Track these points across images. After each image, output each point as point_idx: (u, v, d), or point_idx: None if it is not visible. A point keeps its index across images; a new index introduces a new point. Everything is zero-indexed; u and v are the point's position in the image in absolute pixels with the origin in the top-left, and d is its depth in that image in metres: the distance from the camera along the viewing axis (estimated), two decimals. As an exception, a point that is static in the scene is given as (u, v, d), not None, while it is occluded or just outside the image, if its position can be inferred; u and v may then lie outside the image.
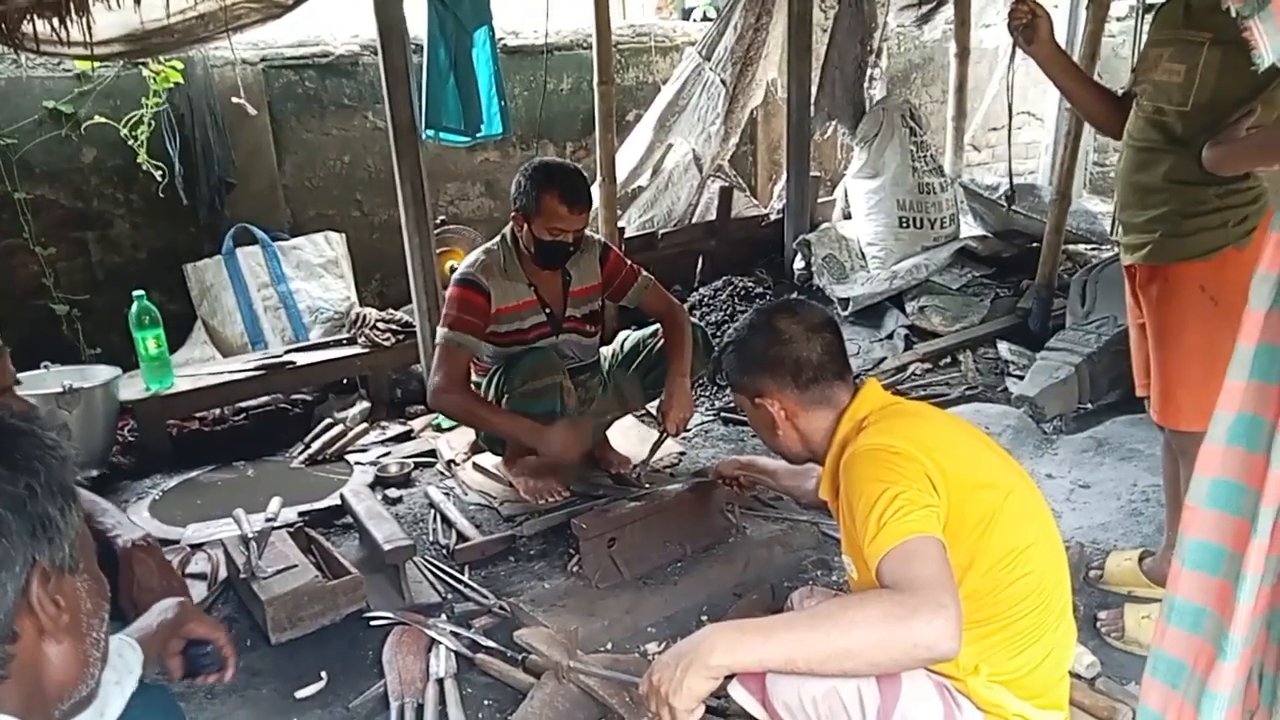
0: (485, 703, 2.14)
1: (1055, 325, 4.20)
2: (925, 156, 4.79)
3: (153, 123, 3.95)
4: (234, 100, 4.02)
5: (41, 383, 3.35)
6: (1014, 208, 4.84)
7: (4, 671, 0.73)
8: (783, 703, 1.35)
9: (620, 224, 4.57)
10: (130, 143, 3.90)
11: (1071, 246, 4.85)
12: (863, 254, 4.90)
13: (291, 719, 2.14)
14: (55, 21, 3.28)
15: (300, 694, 2.20)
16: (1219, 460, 0.84)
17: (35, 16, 3.22)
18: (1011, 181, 3.32)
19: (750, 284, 4.70)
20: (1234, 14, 0.62)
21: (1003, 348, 4.19)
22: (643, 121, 4.94)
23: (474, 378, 3.15)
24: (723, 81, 4.70)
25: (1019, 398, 3.63)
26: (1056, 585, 1.51)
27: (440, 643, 2.30)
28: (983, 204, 4.91)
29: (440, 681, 2.16)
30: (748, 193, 5.41)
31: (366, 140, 4.59)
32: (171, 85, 3.93)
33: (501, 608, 2.46)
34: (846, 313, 4.53)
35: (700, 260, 4.95)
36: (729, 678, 1.36)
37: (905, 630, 1.21)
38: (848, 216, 5.18)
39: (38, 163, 3.90)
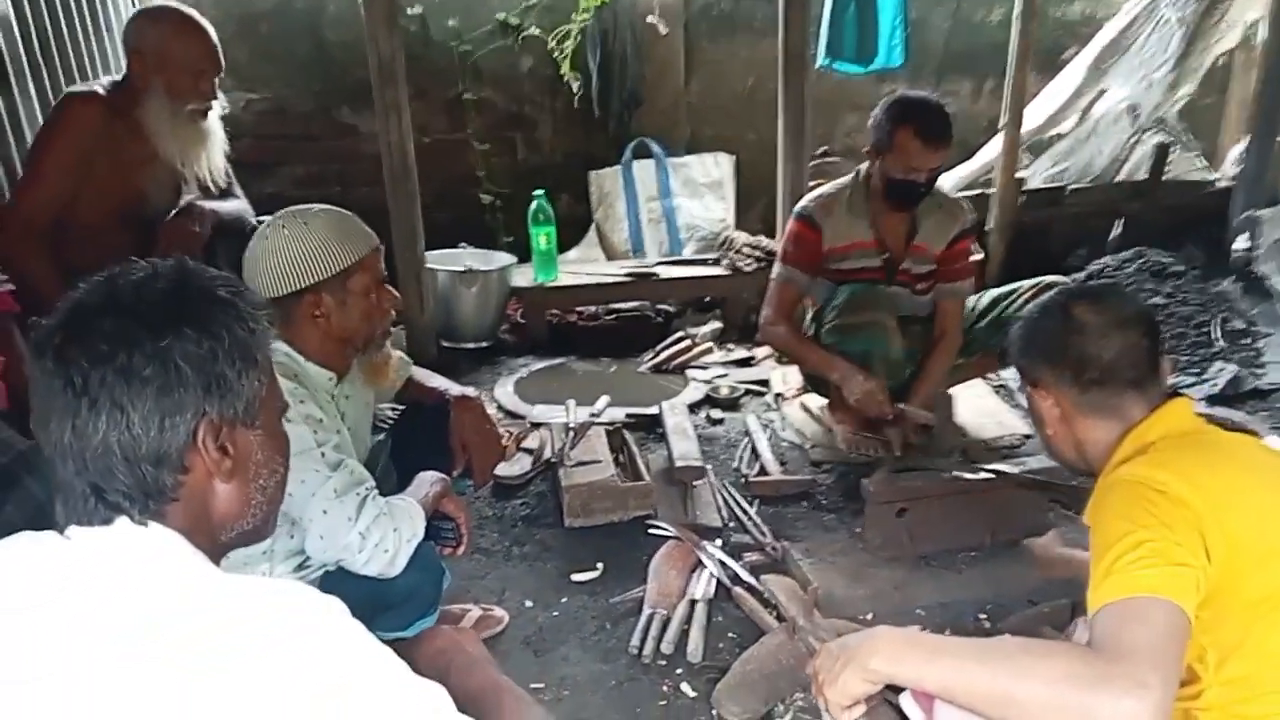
0: (729, 635, 2.17)
1: None
2: None
3: (579, 37, 4.30)
4: (648, 19, 4.24)
5: (454, 260, 3.90)
6: None
7: (175, 495, 0.90)
8: (944, 731, 1.22)
9: (1022, 174, 4.15)
10: (555, 55, 4.29)
11: None
12: (1337, 242, 3.98)
13: (563, 597, 2.34)
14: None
15: (576, 577, 2.40)
16: None
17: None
18: None
19: (1169, 259, 4.01)
20: None
21: None
22: (1074, 61, 4.39)
23: (808, 315, 3.12)
24: (1180, 20, 4.00)
25: None
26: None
27: (706, 566, 2.36)
28: None
29: (693, 602, 2.23)
30: (1196, 153, 4.60)
31: (772, 65, 4.57)
32: (599, 3, 4.24)
33: (774, 548, 2.46)
34: (1290, 310, 3.74)
35: (1116, 224, 4.34)
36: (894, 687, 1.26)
37: (1084, 700, 1.02)
38: (1329, 194, 4.22)
39: (486, 68, 4.45)
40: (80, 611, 0.81)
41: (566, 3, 4.32)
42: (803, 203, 2.95)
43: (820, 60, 3.70)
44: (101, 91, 2.49)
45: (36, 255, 2.33)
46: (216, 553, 0.95)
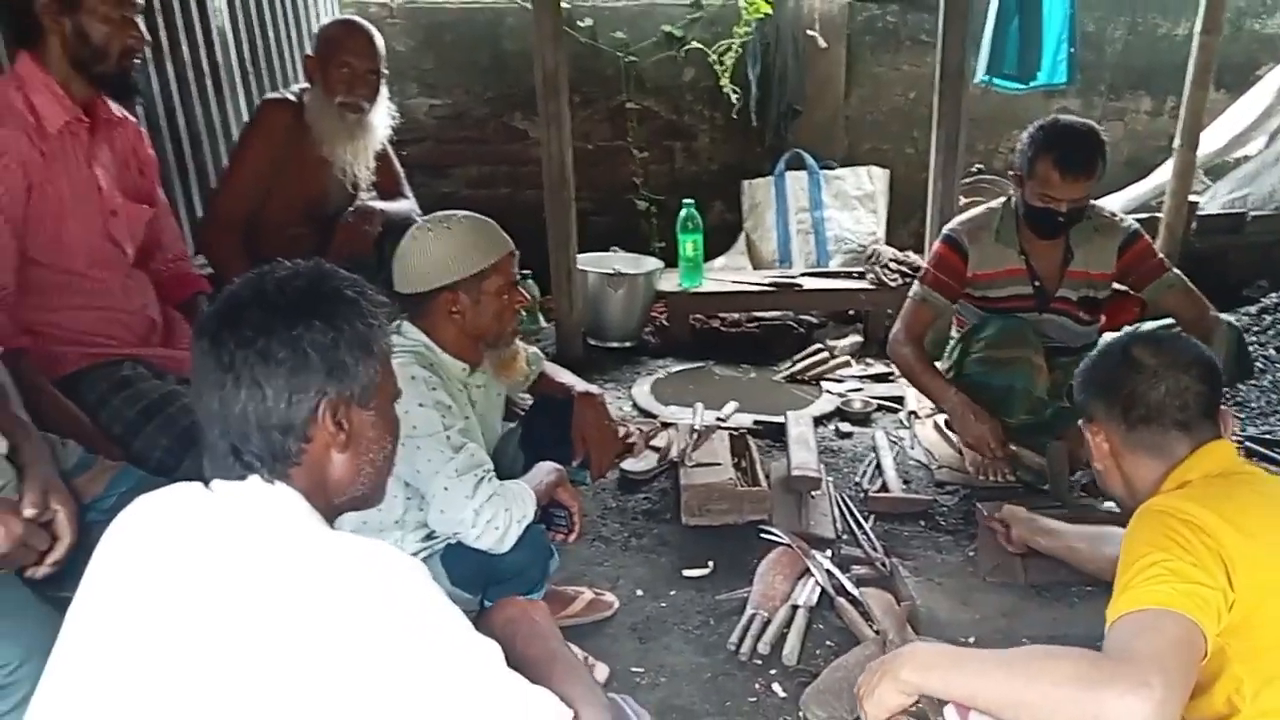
0: (827, 643, 2.21)
1: None
2: None
3: (740, 50, 4.40)
4: (809, 33, 4.28)
5: (604, 263, 4.08)
6: None
7: (298, 461, 1.08)
8: (979, 742, 1.27)
9: (1198, 198, 3.93)
10: (716, 67, 4.40)
11: None
12: None
13: (673, 590, 2.45)
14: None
15: (687, 573, 2.50)
16: None
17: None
18: None
19: (1359, 296, 3.72)
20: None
21: None
22: (1267, 79, 4.11)
23: (952, 333, 3.11)
24: (1392, 36, 3.68)
25: None
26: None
27: (813, 574, 2.42)
28: None
29: (795, 608, 2.29)
30: (1405, 181, 4.21)
31: (934, 79, 4.54)
32: (761, 16, 4.31)
33: (883, 563, 2.48)
34: None
35: (1304, 256, 4.04)
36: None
37: (1090, 698, 1.09)
38: None
39: (649, 78, 4.61)
40: (214, 547, 1.00)
41: (730, 15, 4.42)
42: (951, 225, 2.93)
43: (979, 76, 3.64)
44: (292, 98, 2.78)
45: (231, 248, 2.64)
46: (331, 513, 1.12)
